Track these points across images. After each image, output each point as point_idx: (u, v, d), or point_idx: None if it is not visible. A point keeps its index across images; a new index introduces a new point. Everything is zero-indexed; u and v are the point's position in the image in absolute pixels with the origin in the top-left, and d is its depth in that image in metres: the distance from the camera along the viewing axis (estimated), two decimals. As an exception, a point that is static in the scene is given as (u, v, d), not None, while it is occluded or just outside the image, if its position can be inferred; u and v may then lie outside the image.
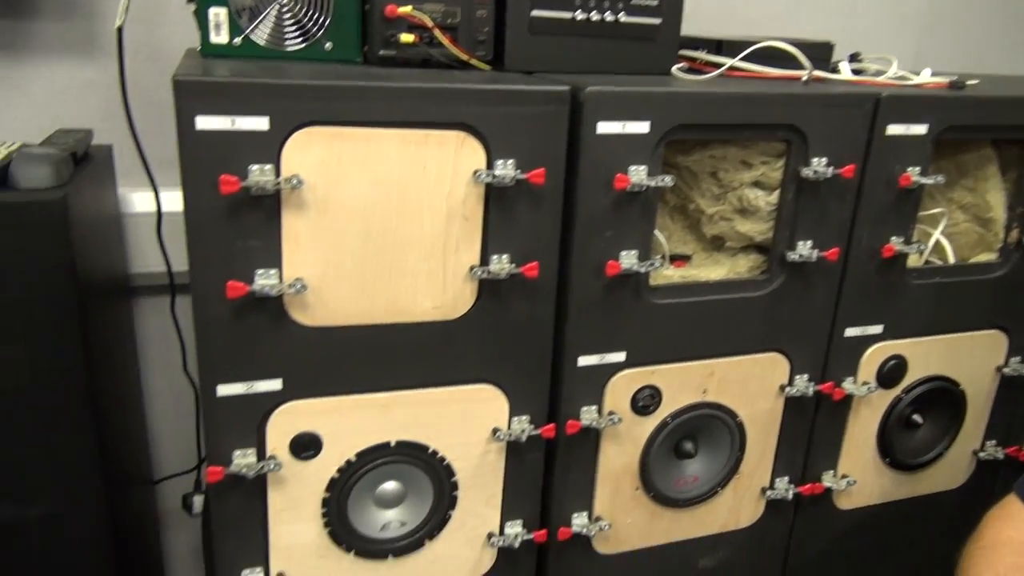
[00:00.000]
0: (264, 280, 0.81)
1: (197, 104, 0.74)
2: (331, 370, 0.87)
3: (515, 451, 0.98)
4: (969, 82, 1.11)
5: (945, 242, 1.15)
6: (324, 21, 0.93)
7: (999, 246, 1.15)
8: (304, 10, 0.92)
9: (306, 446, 0.89)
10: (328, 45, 0.94)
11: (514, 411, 0.96)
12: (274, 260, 0.81)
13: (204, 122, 0.74)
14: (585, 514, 1.04)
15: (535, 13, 0.95)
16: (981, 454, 1.24)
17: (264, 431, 0.87)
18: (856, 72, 1.13)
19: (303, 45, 0.94)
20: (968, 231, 1.18)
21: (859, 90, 0.99)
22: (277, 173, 0.78)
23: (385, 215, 0.83)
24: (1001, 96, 1.06)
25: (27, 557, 0.98)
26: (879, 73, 1.13)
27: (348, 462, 0.91)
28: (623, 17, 0.98)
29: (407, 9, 0.91)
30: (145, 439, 1.35)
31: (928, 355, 1.14)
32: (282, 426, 0.88)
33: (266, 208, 0.79)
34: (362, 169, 0.80)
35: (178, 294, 1.25)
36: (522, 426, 0.96)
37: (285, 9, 0.92)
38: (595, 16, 0.98)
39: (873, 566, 1.28)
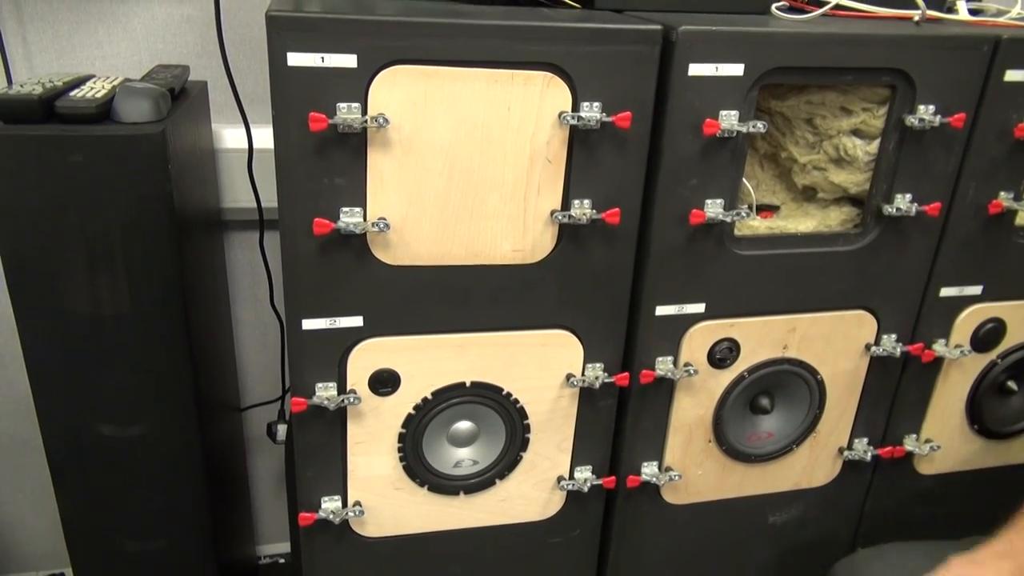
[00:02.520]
0: (349, 218, 0.82)
1: (289, 40, 0.74)
2: (410, 309, 0.89)
3: (588, 397, 0.98)
4: (1102, 25, 1.02)
5: (1060, 200, 1.08)
6: (412, -43, 0.92)
7: (1121, 206, 1.07)
8: (392, -55, 0.91)
9: (384, 382, 0.92)
10: (416, -19, 0.93)
11: (588, 358, 0.96)
12: (359, 198, 0.82)
13: (295, 59, 0.75)
14: (655, 463, 1.04)
15: (628, -52, 0.92)
16: (1081, 426, 1.18)
17: (345, 366, 0.90)
18: (974, 12, 1.05)
19: (390, -19, 0.93)
20: (1087, 189, 1.10)
21: (977, 32, 0.92)
22: (364, 111, 0.78)
23: (468, 156, 0.82)
24: None
25: (125, 474, 1.05)
26: (1000, 13, 1.05)
27: (424, 400, 0.93)
28: (720, -48, 0.94)
29: (496, -56, 0.89)
30: (234, 368, 1.42)
31: (1031, 320, 1.08)
32: (362, 362, 0.90)
33: (352, 146, 0.80)
34: (447, 109, 0.80)
35: (266, 229, 1.29)
36: (596, 373, 0.96)
37: (374, -56, 0.91)
38: (690, -49, 0.93)
39: (953, 534, 1.24)
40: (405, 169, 0.82)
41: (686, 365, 0.98)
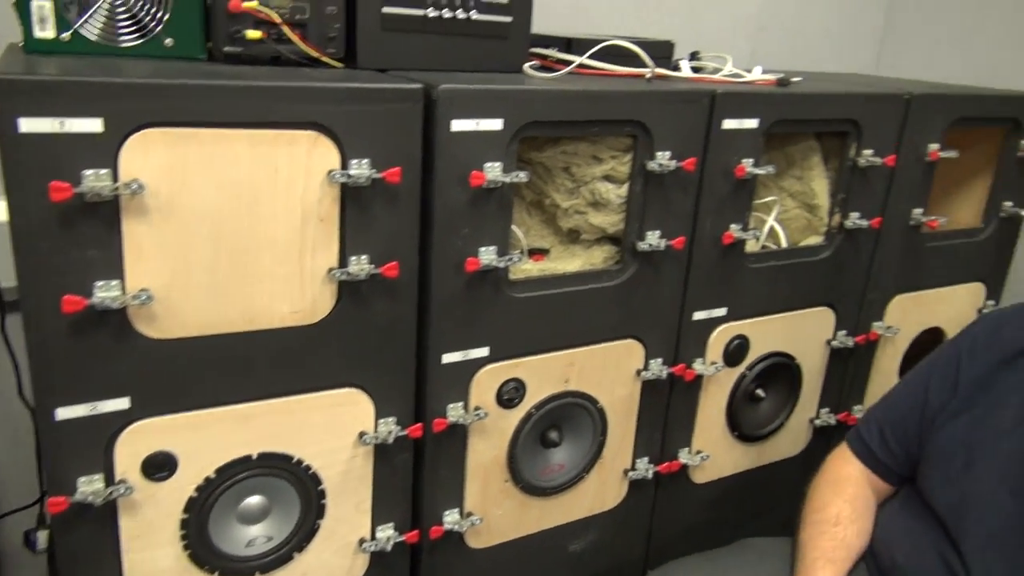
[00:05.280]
0: (104, 292, 0.76)
1: (19, 105, 0.68)
2: (184, 384, 0.83)
3: (383, 454, 0.97)
4: (793, 79, 1.21)
5: (778, 228, 1.25)
6: (162, 16, 0.89)
7: (824, 230, 1.26)
8: (139, 3, 0.87)
9: (160, 466, 0.84)
10: (168, 41, 0.90)
11: (380, 413, 0.95)
12: (115, 270, 0.76)
13: (29, 124, 0.69)
14: (456, 511, 1.05)
15: (386, 10, 0.95)
16: (817, 422, 1.36)
17: (112, 454, 0.82)
18: (695, 70, 1.20)
19: (140, 41, 0.89)
20: (798, 217, 1.28)
21: (697, 87, 1.05)
22: (115, 178, 0.73)
23: (236, 219, 0.80)
24: (821, 92, 1.16)
25: None
26: (716, 71, 1.21)
27: (207, 479, 0.87)
28: (474, 15, 1.00)
29: (252, 4, 0.88)
30: (-26, 472, 1.24)
31: (767, 333, 1.23)
32: (132, 447, 0.83)
33: (104, 215, 0.74)
34: (209, 172, 0.77)
35: (8, 312, 1.15)
36: (388, 428, 0.95)
37: (118, 2, 0.86)
38: (447, 14, 0.98)
39: (729, 535, 1.36)
40: (167, 236, 0.77)
41: (476, 409, 1.00)
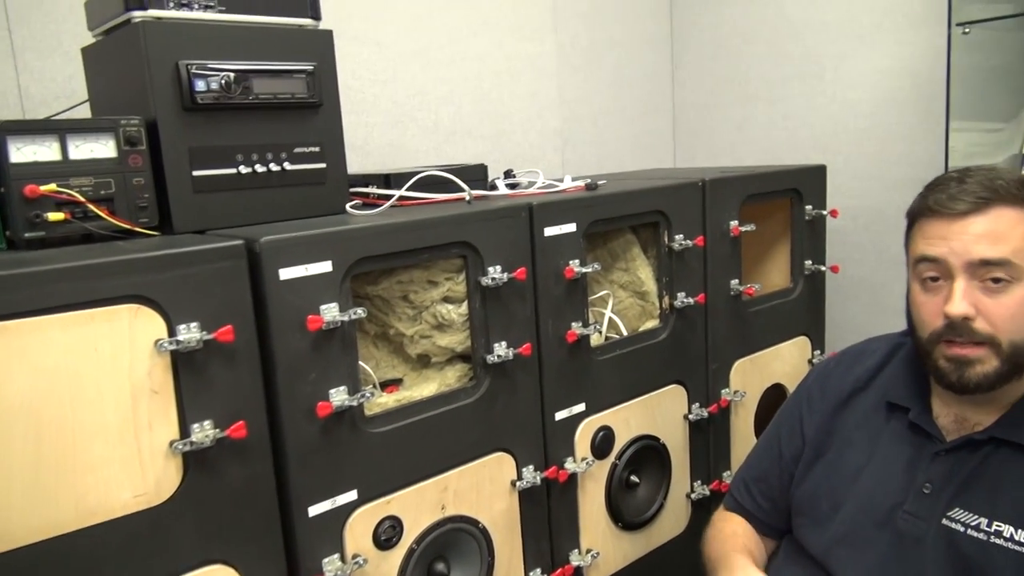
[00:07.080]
0: (-95, 519, 0.67)
1: None
2: (16, 603, 0.74)
3: (260, 629, 0.90)
4: (600, 183, 1.31)
5: (616, 319, 1.32)
6: (-51, 211, 0.84)
7: (658, 313, 1.34)
8: (-78, 202, 0.83)
9: None
10: (-41, 236, 0.86)
11: (250, 586, 0.89)
12: (-83, 491, 0.68)
13: None
14: (351, 673, 0.98)
15: (197, 173, 0.95)
16: (693, 496, 1.39)
17: None
18: (511, 187, 1.27)
19: (-75, 241, 0.84)
20: (632, 305, 1.36)
21: (515, 202, 1.11)
22: (-94, 390, 0.67)
23: (57, 408, 0.74)
24: (627, 190, 1.26)
25: None
26: (530, 184, 1.29)
27: None
28: (288, 166, 1.02)
29: (51, 187, 0.86)
30: None
31: (628, 420, 1.27)
32: None
33: None
34: (19, 364, 0.72)
35: None
36: (262, 599, 0.89)
37: None
38: (259, 168, 1.00)
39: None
40: (-23, 442, 0.71)
41: (354, 557, 0.96)
